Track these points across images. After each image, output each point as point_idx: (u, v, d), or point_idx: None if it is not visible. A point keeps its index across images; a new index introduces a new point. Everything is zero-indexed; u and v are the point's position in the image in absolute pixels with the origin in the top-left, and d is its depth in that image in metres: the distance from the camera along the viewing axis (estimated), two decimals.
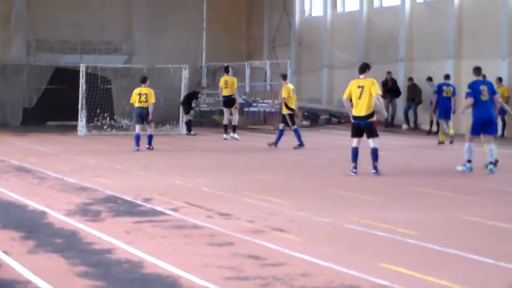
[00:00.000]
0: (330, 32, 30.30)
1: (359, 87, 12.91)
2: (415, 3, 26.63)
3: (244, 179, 12.76)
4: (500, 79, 21.48)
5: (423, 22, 26.19)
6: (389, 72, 26.12)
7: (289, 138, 18.66)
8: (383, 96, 25.71)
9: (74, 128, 24.11)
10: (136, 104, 18.20)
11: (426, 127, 24.99)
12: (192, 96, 24.32)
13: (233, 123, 21.62)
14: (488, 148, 13.37)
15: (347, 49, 29.13)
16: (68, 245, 7.37)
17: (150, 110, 18.09)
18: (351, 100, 13.17)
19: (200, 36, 29.87)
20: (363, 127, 13.00)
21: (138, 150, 17.77)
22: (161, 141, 19.75)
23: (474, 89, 13.36)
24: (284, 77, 19.57)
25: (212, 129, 25.37)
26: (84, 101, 23.88)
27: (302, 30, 31.88)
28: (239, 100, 22.94)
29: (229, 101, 21.71)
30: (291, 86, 19.15)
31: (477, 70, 13.77)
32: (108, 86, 27.30)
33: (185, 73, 25.21)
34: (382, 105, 13.54)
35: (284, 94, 18.76)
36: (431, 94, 22.16)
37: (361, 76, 13.05)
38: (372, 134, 12.99)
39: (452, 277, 6.05)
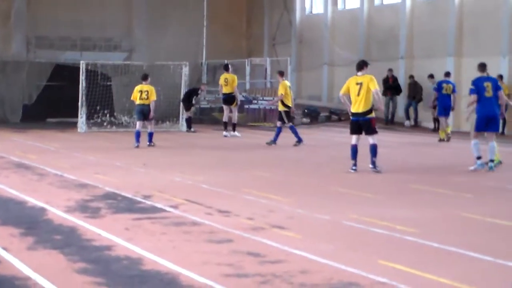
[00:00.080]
0: (330, 30, 30.28)
1: (357, 84, 12.94)
2: (415, 0, 26.62)
3: (244, 176, 12.77)
4: (500, 77, 21.45)
5: (423, 19, 26.18)
6: (390, 70, 26.12)
7: (288, 135, 18.65)
8: (384, 94, 25.87)
9: (74, 125, 24.11)
10: (137, 101, 18.21)
11: (426, 124, 25.00)
12: (192, 92, 24.31)
13: (233, 121, 21.65)
14: (490, 146, 13.33)
15: (347, 47, 29.12)
16: (67, 241, 7.37)
17: (152, 107, 18.10)
18: (349, 98, 13.22)
19: (200, 33, 29.85)
20: (362, 123, 13.03)
21: (138, 146, 17.78)
22: (161, 138, 19.75)
23: (477, 86, 13.26)
24: (281, 73, 19.56)
25: (212, 126, 25.36)
26: (84, 98, 23.87)
27: (302, 28, 31.85)
28: (239, 97, 22.94)
29: (229, 99, 21.75)
30: (287, 83, 19.14)
31: (482, 67, 13.56)
32: (108, 83, 27.28)
33: (185, 70, 25.19)
34: (381, 99, 13.54)
35: (281, 90, 18.76)
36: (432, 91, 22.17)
37: (359, 73, 13.08)
38: (371, 131, 13.03)
39: (451, 275, 6.06)
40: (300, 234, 7.74)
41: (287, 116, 18.72)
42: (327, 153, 17.47)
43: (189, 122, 23.89)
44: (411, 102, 25.91)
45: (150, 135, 18.22)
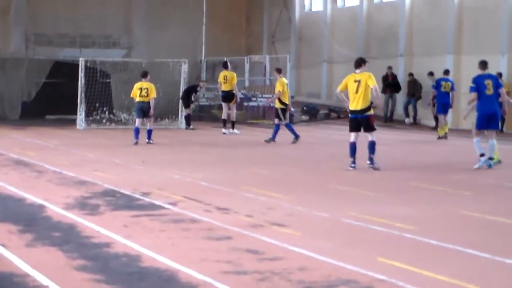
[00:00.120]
0: (330, 27, 30.27)
1: (355, 81, 12.94)
2: None
3: (243, 173, 12.77)
4: (500, 75, 21.44)
5: (423, 17, 26.18)
6: (389, 67, 26.12)
7: (286, 132, 18.67)
8: (383, 91, 25.88)
9: (73, 122, 24.11)
10: (137, 99, 18.21)
11: (426, 122, 25.00)
12: (191, 90, 24.33)
13: (231, 119, 21.67)
14: (489, 144, 13.30)
15: (347, 44, 29.11)
16: (66, 238, 7.37)
17: (152, 104, 18.11)
18: (346, 95, 13.24)
19: (199, 30, 29.83)
20: (360, 121, 13.04)
21: (137, 143, 17.79)
22: (160, 135, 19.75)
23: (478, 84, 13.18)
24: (279, 71, 19.57)
25: (211, 124, 25.37)
26: (83, 95, 23.86)
27: (302, 25, 31.84)
28: (239, 94, 22.94)
29: (228, 96, 21.76)
30: (285, 80, 19.15)
31: (483, 64, 13.43)
32: (107, 80, 27.26)
33: (184, 68, 25.19)
34: (379, 96, 13.52)
35: (278, 87, 18.76)
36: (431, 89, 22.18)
37: (357, 71, 13.08)
38: (370, 128, 13.05)
39: (449, 272, 6.06)
40: (299, 231, 7.75)
41: (283, 114, 18.73)
42: (326, 150, 17.48)
43: (188, 119, 23.89)
44: (410, 100, 25.92)
45: (149, 132, 18.23)
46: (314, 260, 6.49)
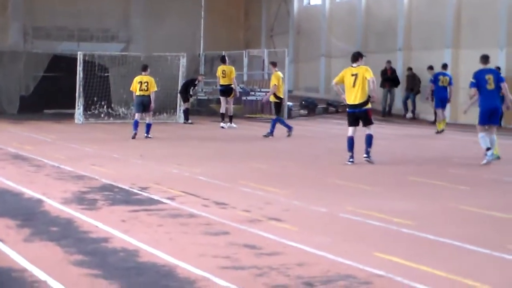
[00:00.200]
0: (328, 21, 30.23)
1: (352, 75, 12.94)
2: None
3: (241, 168, 12.76)
4: (498, 69, 21.44)
5: (421, 10, 26.15)
6: (388, 61, 26.11)
7: (283, 127, 18.67)
8: (382, 85, 25.89)
9: (71, 116, 24.09)
10: (137, 92, 18.18)
11: (424, 116, 25.00)
12: (189, 83, 24.30)
13: (229, 114, 21.69)
14: (490, 139, 13.24)
15: (345, 38, 29.09)
16: (64, 233, 7.37)
17: (152, 98, 18.10)
18: (342, 88, 13.25)
19: (198, 24, 29.78)
20: (358, 114, 13.05)
21: (136, 134, 17.79)
22: (158, 130, 19.74)
23: (478, 79, 13.08)
24: (274, 64, 19.58)
25: (209, 118, 25.35)
26: (81, 89, 23.84)
27: (300, 19, 31.80)
28: (237, 89, 22.92)
29: (227, 90, 21.76)
30: (280, 74, 19.15)
31: (485, 59, 13.28)
32: (106, 74, 27.21)
33: (183, 61, 25.16)
34: (376, 88, 13.47)
35: (274, 81, 18.76)
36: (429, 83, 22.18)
37: (354, 65, 13.08)
38: (368, 122, 13.07)
39: (447, 267, 6.07)
40: (297, 226, 7.74)
41: (278, 107, 18.74)
42: (325, 145, 17.48)
43: (187, 113, 23.87)
44: (409, 95, 25.91)
45: (148, 126, 18.22)
46: (312, 255, 6.49)
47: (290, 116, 25.75)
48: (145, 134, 18.09)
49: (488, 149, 13.04)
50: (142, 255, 6.49)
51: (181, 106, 24.40)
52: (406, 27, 26.58)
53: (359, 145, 13.20)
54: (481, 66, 13.28)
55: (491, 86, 13.01)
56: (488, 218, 8.42)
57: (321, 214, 8.51)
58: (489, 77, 13.04)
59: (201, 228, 7.63)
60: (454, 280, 5.74)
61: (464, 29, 24.52)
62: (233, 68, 22.21)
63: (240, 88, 25.66)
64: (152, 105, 18.20)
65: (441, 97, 19.86)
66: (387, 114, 26.24)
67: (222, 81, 21.73)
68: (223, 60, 22.27)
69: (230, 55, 25.06)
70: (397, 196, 9.92)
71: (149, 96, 18.06)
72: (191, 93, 24.25)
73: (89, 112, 24.57)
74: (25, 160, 13.63)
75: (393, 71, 26.26)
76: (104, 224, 7.77)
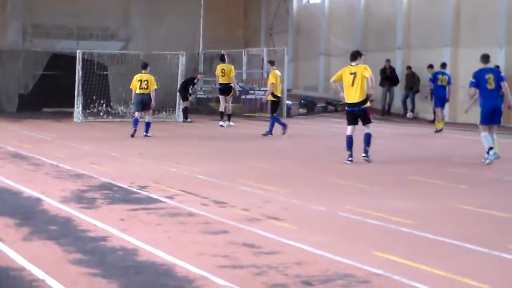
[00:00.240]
0: (327, 19, 30.22)
1: (351, 74, 12.94)
2: None
3: (240, 166, 12.76)
4: (497, 67, 21.44)
5: (421, 9, 26.14)
6: (388, 60, 26.10)
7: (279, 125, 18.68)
8: (381, 84, 25.88)
9: (70, 114, 24.07)
10: (137, 91, 18.17)
11: (424, 115, 25.00)
12: (188, 82, 24.28)
13: (227, 112, 21.70)
14: (491, 137, 13.21)
15: (344, 37, 29.07)
16: (63, 232, 7.36)
17: (152, 96, 18.10)
18: (341, 86, 13.25)
19: (197, 23, 29.76)
20: (357, 113, 13.05)
21: (135, 131, 17.79)
22: (157, 128, 19.72)
23: (477, 79, 13.03)
24: (272, 63, 19.58)
25: (208, 117, 25.34)
26: (80, 88, 23.82)
27: (299, 17, 31.78)
28: (237, 87, 22.91)
29: (226, 89, 21.76)
30: (278, 72, 19.15)
31: (485, 58, 13.23)
32: (105, 73, 27.18)
33: (182, 60, 25.13)
34: (374, 86, 13.40)
35: (272, 80, 18.75)
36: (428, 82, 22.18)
37: (353, 63, 13.07)
38: (367, 120, 13.07)
39: (446, 266, 6.06)
40: (296, 225, 7.74)
41: (274, 106, 18.73)
42: (324, 143, 17.47)
43: (186, 112, 23.87)
44: (408, 93, 25.90)
45: (148, 125, 18.21)
46: (311, 254, 6.49)
47: (289, 115, 25.75)
48: (144, 133, 18.08)
49: (490, 148, 13.00)
50: (141, 254, 6.48)
51: (180, 105, 24.37)
52: (405, 25, 26.57)
53: (358, 144, 13.19)
54: (481, 66, 13.25)
55: (491, 85, 12.97)
56: (488, 217, 8.42)
57: (320, 213, 8.50)
58: (489, 77, 13.02)
59: (200, 227, 7.62)
60: (453, 279, 5.74)
61: (463, 27, 24.51)
62: (232, 67, 22.21)
63: (240, 87, 25.66)
64: (153, 103, 18.20)
65: (440, 96, 19.86)
66: (386, 113, 26.23)
67: (222, 80, 21.72)
68: (222, 59, 22.26)
69: (230, 53, 25.03)
70: (396, 195, 9.92)
71: (149, 94, 18.06)
72: (190, 91, 24.24)
73: (88, 111, 24.54)
74: (24, 158, 13.62)
75: (392, 69, 26.25)
76: (103, 223, 7.76)
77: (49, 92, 27.32)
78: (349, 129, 13.13)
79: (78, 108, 23.70)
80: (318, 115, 26.91)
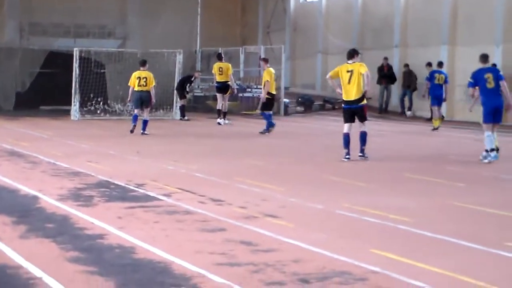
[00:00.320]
0: (325, 18, 30.21)
1: (348, 71, 12.95)
2: None
3: (237, 164, 12.76)
4: (494, 66, 21.45)
5: (418, 7, 26.15)
6: (385, 58, 26.11)
7: (282, 124, 18.67)
8: (379, 82, 25.89)
9: (67, 112, 24.04)
10: (136, 88, 18.15)
11: (420, 113, 25.01)
12: (186, 80, 24.27)
13: (223, 110, 21.71)
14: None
15: (342, 35, 29.07)
16: (60, 230, 7.35)
17: (152, 93, 18.10)
18: (338, 83, 13.26)
19: (194, 21, 29.73)
20: (354, 110, 13.06)
21: (134, 126, 17.80)
22: (154, 126, 19.71)
23: (476, 79, 13.00)
24: (266, 60, 19.60)
25: (205, 115, 25.33)
26: (77, 86, 23.79)
27: (297, 15, 31.77)
28: (234, 85, 22.91)
29: (224, 87, 21.76)
30: (272, 70, 19.14)
31: (484, 58, 13.19)
32: (102, 71, 27.15)
33: (179, 58, 25.12)
34: (370, 82, 13.35)
35: (266, 77, 18.74)
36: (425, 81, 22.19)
37: (350, 62, 13.08)
38: (363, 118, 13.11)
39: (443, 264, 6.06)
40: (293, 223, 7.74)
41: (268, 104, 18.71)
42: (321, 141, 17.48)
43: (183, 110, 23.85)
44: (405, 92, 25.91)
45: (145, 122, 18.20)
46: (308, 252, 6.49)
47: (286, 113, 25.76)
48: (142, 131, 18.07)
49: (492, 150, 12.95)
50: (138, 251, 6.48)
51: (177, 103, 24.36)
52: (402, 24, 26.57)
53: (355, 141, 13.20)
54: (480, 65, 13.23)
55: (491, 84, 12.96)
56: (485, 215, 8.43)
57: (317, 211, 8.50)
58: (489, 76, 13.02)
59: (197, 225, 7.62)
60: (450, 276, 5.74)
61: (460, 26, 24.52)
62: (230, 65, 22.21)
63: (237, 84, 25.65)
64: (153, 100, 18.23)
65: (436, 95, 19.87)
66: (383, 111, 26.24)
67: (219, 78, 21.72)
68: (219, 58, 22.26)
69: (227, 51, 25.03)
70: (394, 193, 9.92)
71: (148, 91, 18.05)
72: (187, 89, 24.22)
73: (85, 109, 24.51)
74: (21, 156, 13.60)
75: (390, 67, 26.26)
76: (100, 221, 7.75)
77: (46, 90, 27.29)
78: (346, 127, 13.14)
79: (75, 106, 23.67)
80: (316, 113, 26.92)
